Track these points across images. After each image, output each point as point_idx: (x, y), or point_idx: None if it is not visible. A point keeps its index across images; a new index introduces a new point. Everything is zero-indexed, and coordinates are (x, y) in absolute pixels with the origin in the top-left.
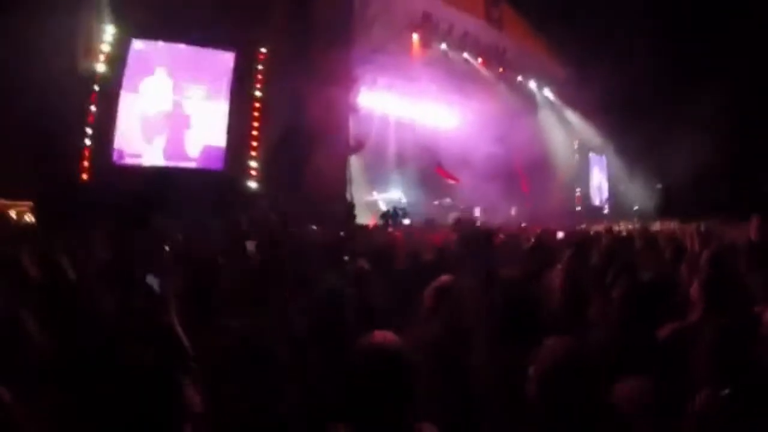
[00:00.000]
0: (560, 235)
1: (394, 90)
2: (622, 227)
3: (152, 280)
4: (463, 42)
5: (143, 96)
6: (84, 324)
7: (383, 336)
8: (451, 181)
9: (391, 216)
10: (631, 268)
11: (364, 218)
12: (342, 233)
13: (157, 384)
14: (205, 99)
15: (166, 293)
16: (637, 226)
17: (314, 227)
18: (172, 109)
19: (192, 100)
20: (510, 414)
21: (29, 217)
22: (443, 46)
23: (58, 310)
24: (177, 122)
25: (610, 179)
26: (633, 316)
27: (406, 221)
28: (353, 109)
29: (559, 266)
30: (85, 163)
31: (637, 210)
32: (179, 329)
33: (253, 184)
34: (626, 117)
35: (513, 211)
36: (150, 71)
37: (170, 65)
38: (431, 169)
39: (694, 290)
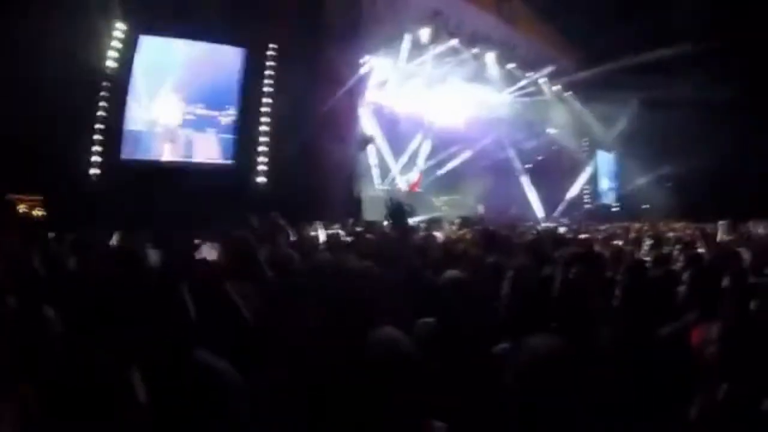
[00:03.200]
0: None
1: (404, 86)
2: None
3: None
4: (473, 38)
5: (154, 101)
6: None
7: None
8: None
9: (399, 213)
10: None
11: (372, 214)
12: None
13: None
14: (216, 99)
15: None
16: (646, 226)
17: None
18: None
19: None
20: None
21: (39, 211)
22: (453, 42)
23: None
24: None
25: (620, 177)
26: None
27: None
28: (362, 104)
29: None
30: (94, 158)
31: (646, 208)
32: None
33: (261, 179)
34: (638, 114)
35: (513, 210)
36: (161, 77)
37: (181, 68)
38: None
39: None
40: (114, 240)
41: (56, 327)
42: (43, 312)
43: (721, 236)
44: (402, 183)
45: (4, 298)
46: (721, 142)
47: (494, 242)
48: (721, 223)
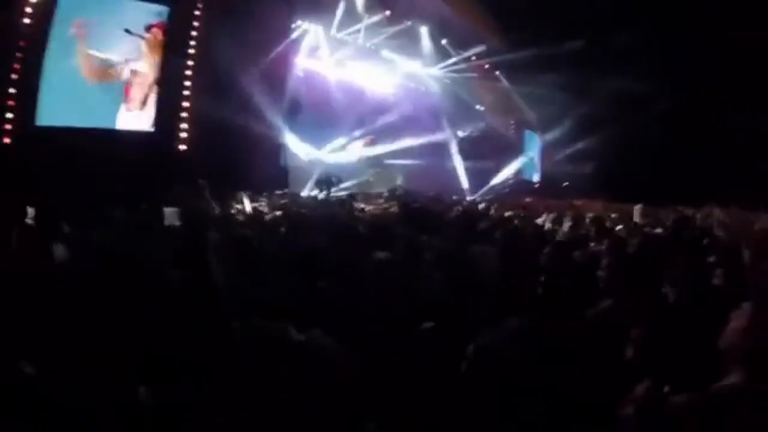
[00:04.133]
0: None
1: (335, 53)
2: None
3: None
4: (408, 10)
5: (69, 55)
6: None
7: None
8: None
9: (325, 182)
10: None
11: (298, 184)
12: None
13: None
14: (133, 57)
15: None
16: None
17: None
18: (98, 67)
19: (119, 57)
20: None
21: None
22: (387, 12)
23: None
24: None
25: (543, 156)
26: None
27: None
28: (292, 70)
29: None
30: (7, 126)
31: (565, 187)
32: None
33: (182, 147)
34: (562, 95)
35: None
36: (77, 27)
37: (98, 19)
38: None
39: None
40: (29, 215)
41: None
42: None
43: (636, 219)
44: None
45: None
46: (640, 128)
47: (420, 219)
48: (637, 207)
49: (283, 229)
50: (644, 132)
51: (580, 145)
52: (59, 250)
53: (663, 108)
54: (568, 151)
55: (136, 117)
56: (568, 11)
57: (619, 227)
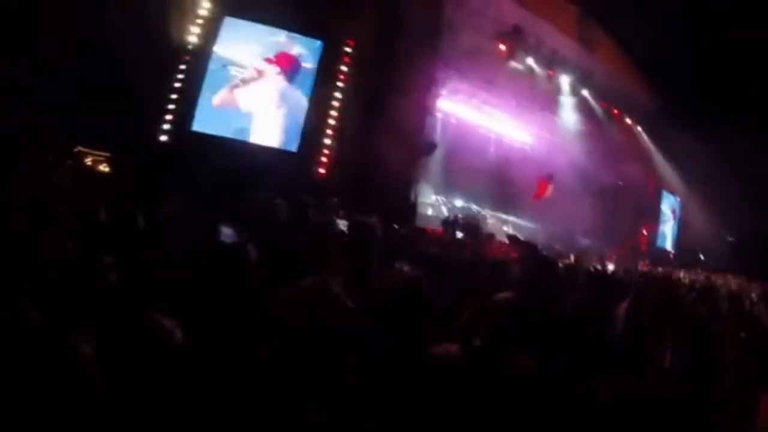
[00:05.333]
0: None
1: (475, 98)
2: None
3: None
4: (551, 59)
5: (231, 73)
6: None
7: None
8: (538, 197)
9: (452, 224)
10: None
11: (424, 220)
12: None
13: None
14: (289, 84)
15: None
16: (702, 277)
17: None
18: (259, 89)
19: (276, 83)
20: None
21: (104, 167)
22: (530, 60)
23: None
24: (262, 102)
25: (681, 223)
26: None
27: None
28: (431, 111)
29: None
30: (165, 126)
31: (703, 260)
32: None
33: (321, 170)
34: (711, 165)
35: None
36: (241, 51)
37: (260, 47)
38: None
39: None
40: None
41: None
42: (102, 259)
43: None
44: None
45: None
46: None
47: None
48: None
49: None
50: None
51: (724, 217)
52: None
53: None
54: (711, 221)
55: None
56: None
57: None
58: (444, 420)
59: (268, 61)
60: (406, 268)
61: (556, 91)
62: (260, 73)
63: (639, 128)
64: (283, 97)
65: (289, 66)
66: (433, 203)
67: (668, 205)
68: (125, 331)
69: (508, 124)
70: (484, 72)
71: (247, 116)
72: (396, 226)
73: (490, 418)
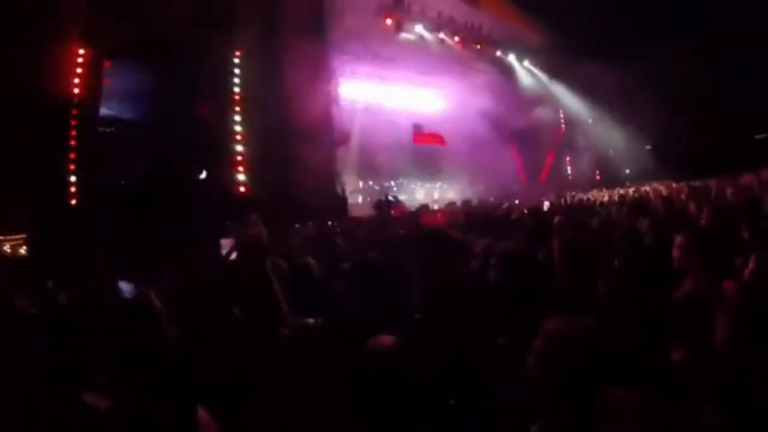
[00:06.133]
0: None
1: (374, 78)
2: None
3: None
4: (438, 22)
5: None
6: None
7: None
8: (437, 144)
9: (385, 204)
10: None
11: (359, 209)
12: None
13: None
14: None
15: None
16: (631, 190)
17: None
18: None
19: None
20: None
21: (24, 250)
22: (418, 28)
23: None
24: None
25: (598, 146)
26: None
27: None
28: (335, 101)
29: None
30: (72, 189)
31: (628, 174)
32: None
33: (241, 189)
34: (608, 81)
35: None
36: (127, 94)
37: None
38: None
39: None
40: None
41: None
42: None
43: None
44: None
45: None
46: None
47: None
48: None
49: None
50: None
51: (636, 130)
52: None
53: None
54: (625, 136)
55: None
56: None
57: None
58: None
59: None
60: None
61: (450, 51)
62: None
63: (536, 69)
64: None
65: None
66: (362, 189)
67: (582, 133)
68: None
69: (412, 96)
70: (378, 49)
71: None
72: (330, 223)
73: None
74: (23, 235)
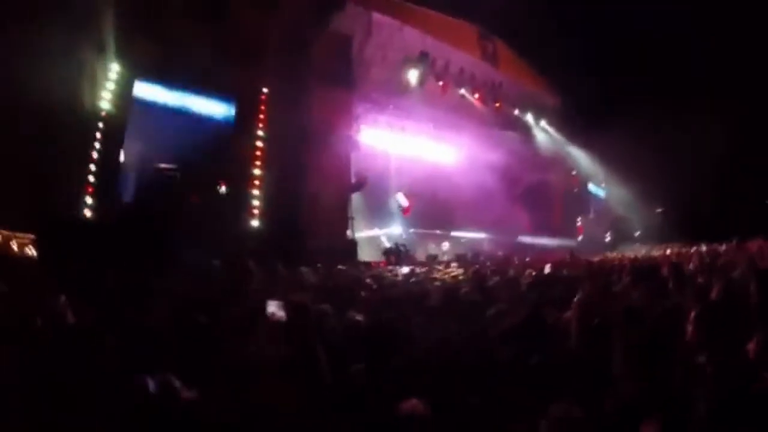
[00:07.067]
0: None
1: (394, 128)
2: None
3: None
4: (459, 78)
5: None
6: None
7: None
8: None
9: (395, 252)
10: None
11: (367, 254)
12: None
13: None
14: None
15: None
16: (642, 253)
17: None
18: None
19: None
20: None
21: (30, 250)
22: (440, 83)
23: None
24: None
25: (610, 208)
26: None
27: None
28: (355, 147)
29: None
30: (88, 200)
31: (639, 236)
32: None
33: (255, 222)
34: (622, 145)
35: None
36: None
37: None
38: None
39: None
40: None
41: None
42: None
43: None
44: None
45: None
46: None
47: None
48: None
49: None
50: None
51: (648, 195)
52: None
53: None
54: (638, 202)
55: None
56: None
57: None
58: None
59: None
60: None
61: (469, 107)
62: None
63: (552, 129)
64: None
65: None
66: (373, 235)
67: (594, 195)
68: None
69: (429, 146)
70: (399, 100)
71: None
72: (340, 267)
73: None
74: (32, 236)
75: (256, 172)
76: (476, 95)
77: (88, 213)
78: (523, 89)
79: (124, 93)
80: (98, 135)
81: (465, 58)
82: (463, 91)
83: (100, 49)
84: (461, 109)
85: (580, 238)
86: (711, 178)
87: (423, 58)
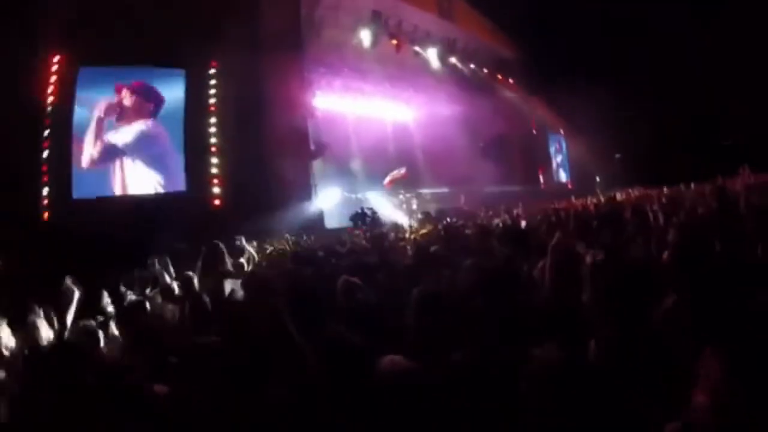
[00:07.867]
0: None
1: (350, 90)
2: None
3: None
4: (413, 36)
5: (95, 126)
6: None
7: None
8: (403, 178)
9: (361, 217)
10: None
11: (338, 220)
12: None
13: None
14: (156, 124)
15: None
16: (602, 198)
17: None
18: (129, 138)
19: (141, 126)
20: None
21: None
22: (394, 42)
23: None
24: (133, 149)
25: (569, 156)
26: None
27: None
28: (311, 113)
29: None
30: (45, 201)
31: (599, 182)
32: None
33: (216, 202)
34: (578, 92)
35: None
36: (99, 101)
37: (120, 92)
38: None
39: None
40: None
41: None
42: None
43: None
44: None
45: None
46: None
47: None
48: None
49: None
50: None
51: (606, 139)
52: None
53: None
54: (596, 146)
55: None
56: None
57: None
58: None
59: (123, 88)
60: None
61: (425, 64)
62: (121, 107)
63: (510, 80)
64: (154, 138)
65: (147, 99)
66: (343, 201)
67: (554, 143)
68: None
69: (387, 106)
70: (354, 62)
71: (121, 169)
72: (306, 237)
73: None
74: None
75: (213, 149)
76: (432, 51)
77: (46, 214)
78: (481, 44)
79: (67, 82)
80: (46, 132)
81: (420, 15)
82: (417, 48)
83: (38, 40)
84: (417, 66)
85: (542, 186)
86: (669, 124)
87: (375, 17)
